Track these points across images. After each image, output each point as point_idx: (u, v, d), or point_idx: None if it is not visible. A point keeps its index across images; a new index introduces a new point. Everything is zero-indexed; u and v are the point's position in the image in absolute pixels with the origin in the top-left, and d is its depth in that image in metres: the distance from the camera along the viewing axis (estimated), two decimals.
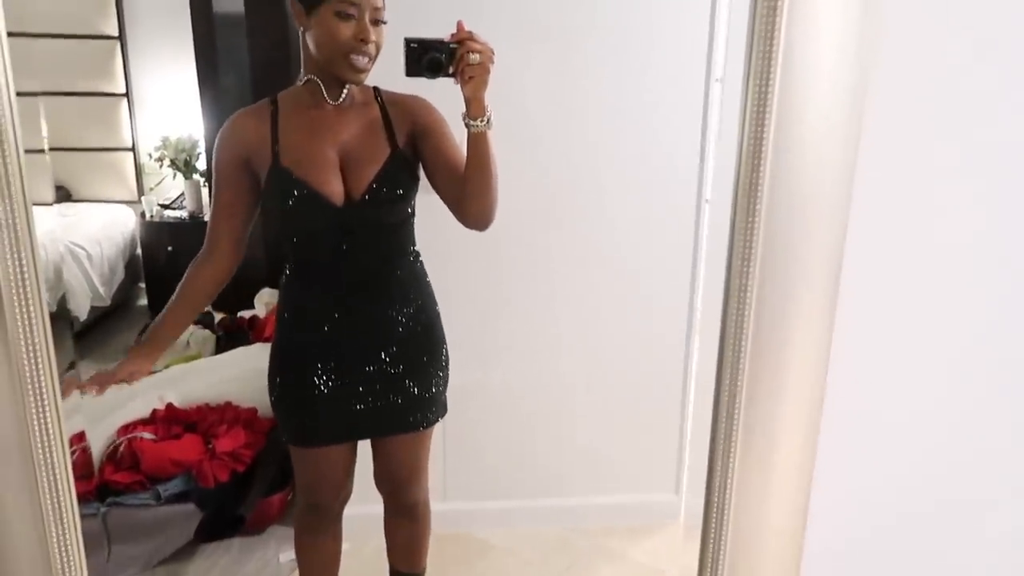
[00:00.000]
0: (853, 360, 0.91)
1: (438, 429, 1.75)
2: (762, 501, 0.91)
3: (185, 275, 1.55)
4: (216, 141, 1.51)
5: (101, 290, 2.66)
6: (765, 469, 0.88)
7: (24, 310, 0.67)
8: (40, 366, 0.67)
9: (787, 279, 0.81)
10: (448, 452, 2.25)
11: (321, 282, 1.54)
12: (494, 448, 2.30)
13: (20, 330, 0.67)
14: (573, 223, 2.19)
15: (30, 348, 0.67)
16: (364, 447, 1.70)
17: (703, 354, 2.21)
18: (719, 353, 0.84)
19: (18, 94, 0.69)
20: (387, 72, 1.45)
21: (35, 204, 0.71)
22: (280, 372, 1.60)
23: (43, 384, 0.69)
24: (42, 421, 0.71)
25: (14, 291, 0.65)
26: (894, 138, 0.86)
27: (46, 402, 0.70)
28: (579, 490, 2.37)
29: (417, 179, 1.55)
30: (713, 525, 0.91)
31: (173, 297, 1.53)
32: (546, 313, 2.24)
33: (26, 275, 0.66)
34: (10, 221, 0.65)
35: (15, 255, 0.66)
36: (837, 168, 0.81)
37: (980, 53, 0.86)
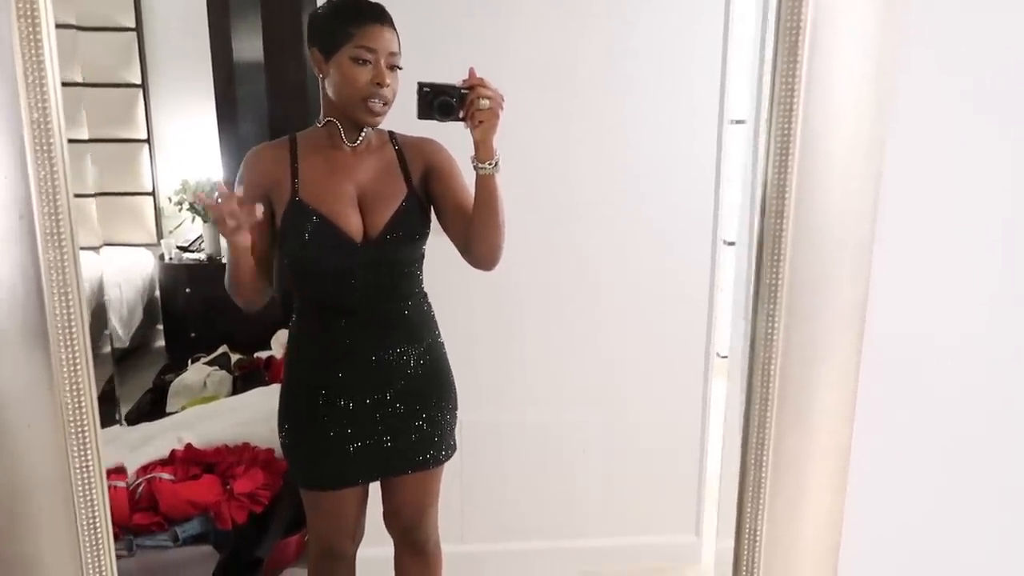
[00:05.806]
0: (880, 401, 0.92)
1: (455, 471, 1.74)
2: (792, 545, 0.91)
3: None
4: (240, 169, 1.53)
5: (120, 332, 2.68)
6: (795, 514, 0.88)
7: (70, 350, 0.68)
8: (83, 405, 0.69)
9: (814, 318, 0.82)
10: (465, 494, 2.24)
11: (331, 323, 1.55)
12: (511, 489, 2.29)
13: (65, 372, 0.68)
14: (586, 263, 2.21)
15: (74, 387, 0.69)
16: (374, 487, 1.70)
17: (721, 392, 2.21)
18: (746, 399, 0.84)
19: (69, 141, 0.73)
20: (399, 115, 1.49)
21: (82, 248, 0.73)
22: (289, 415, 1.61)
23: (86, 424, 0.70)
24: (83, 457, 0.72)
25: (60, 333, 0.67)
26: (919, 170, 0.88)
27: (88, 439, 0.71)
28: (597, 532, 2.35)
29: (430, 219, 1.58)
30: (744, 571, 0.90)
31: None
32: (560, 352, 2.24)
33: (73, 318, 0.68)
34: (59, 263, 0.67)
35: (63, 299, 0.67)
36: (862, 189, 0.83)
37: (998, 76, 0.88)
